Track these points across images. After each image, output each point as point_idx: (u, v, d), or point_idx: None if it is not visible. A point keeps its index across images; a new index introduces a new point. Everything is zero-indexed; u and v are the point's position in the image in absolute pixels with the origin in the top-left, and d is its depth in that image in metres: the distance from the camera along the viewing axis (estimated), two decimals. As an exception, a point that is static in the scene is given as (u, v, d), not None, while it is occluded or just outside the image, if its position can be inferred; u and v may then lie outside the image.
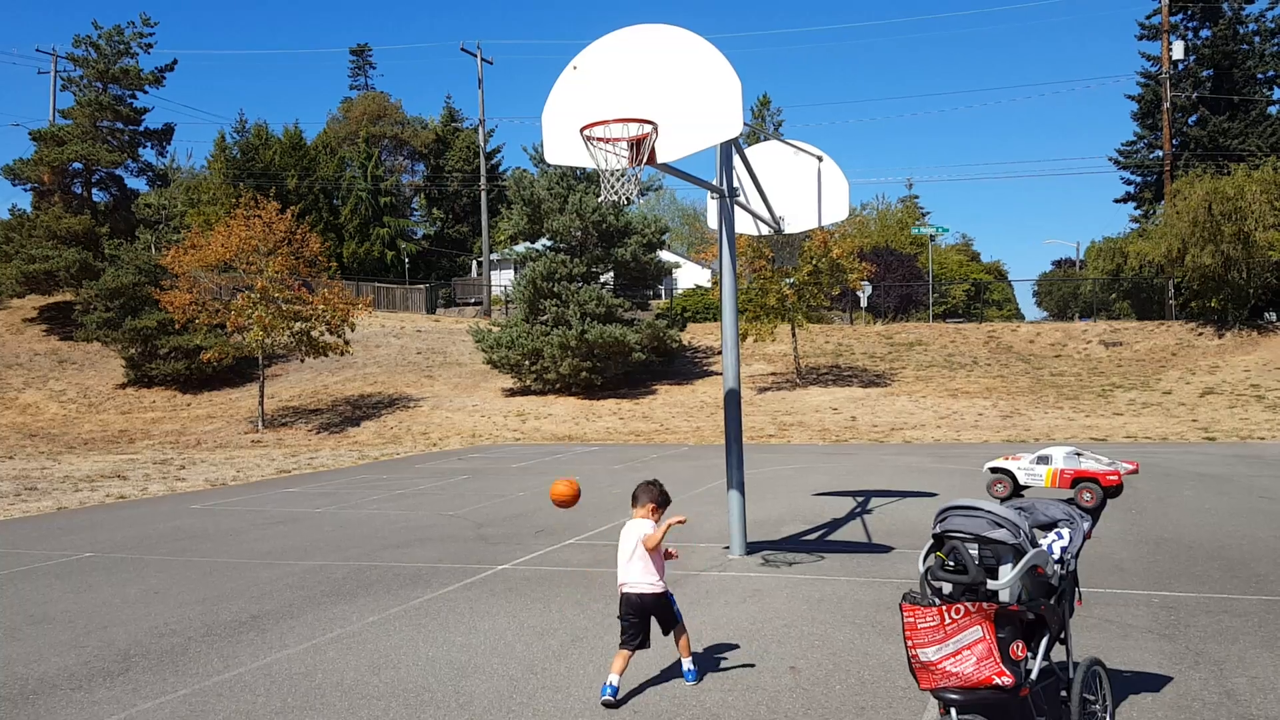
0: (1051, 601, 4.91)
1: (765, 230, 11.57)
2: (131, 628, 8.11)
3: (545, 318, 35.86)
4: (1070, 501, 5.51)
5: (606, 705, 5.88)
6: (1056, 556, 4.99)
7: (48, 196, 47.14)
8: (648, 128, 8.06)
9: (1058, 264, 74.61)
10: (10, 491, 18.98)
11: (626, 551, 6.21)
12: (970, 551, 4.77)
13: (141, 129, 49.59)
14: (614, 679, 5.96)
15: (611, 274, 38.23)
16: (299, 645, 7.42)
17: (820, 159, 11.26)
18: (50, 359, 42.47)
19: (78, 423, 35.49)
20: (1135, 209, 52.88)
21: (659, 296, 47.07)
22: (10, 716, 6.01)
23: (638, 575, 6.14)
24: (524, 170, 40.04)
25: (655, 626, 6.26)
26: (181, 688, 6.47)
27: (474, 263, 60.40)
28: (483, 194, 52.02)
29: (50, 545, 12.56)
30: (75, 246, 44.08)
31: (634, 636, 6.11)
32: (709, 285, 46.54)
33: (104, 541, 12.73)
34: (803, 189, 11.27)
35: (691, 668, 6.31)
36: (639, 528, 6.24)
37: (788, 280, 33.08)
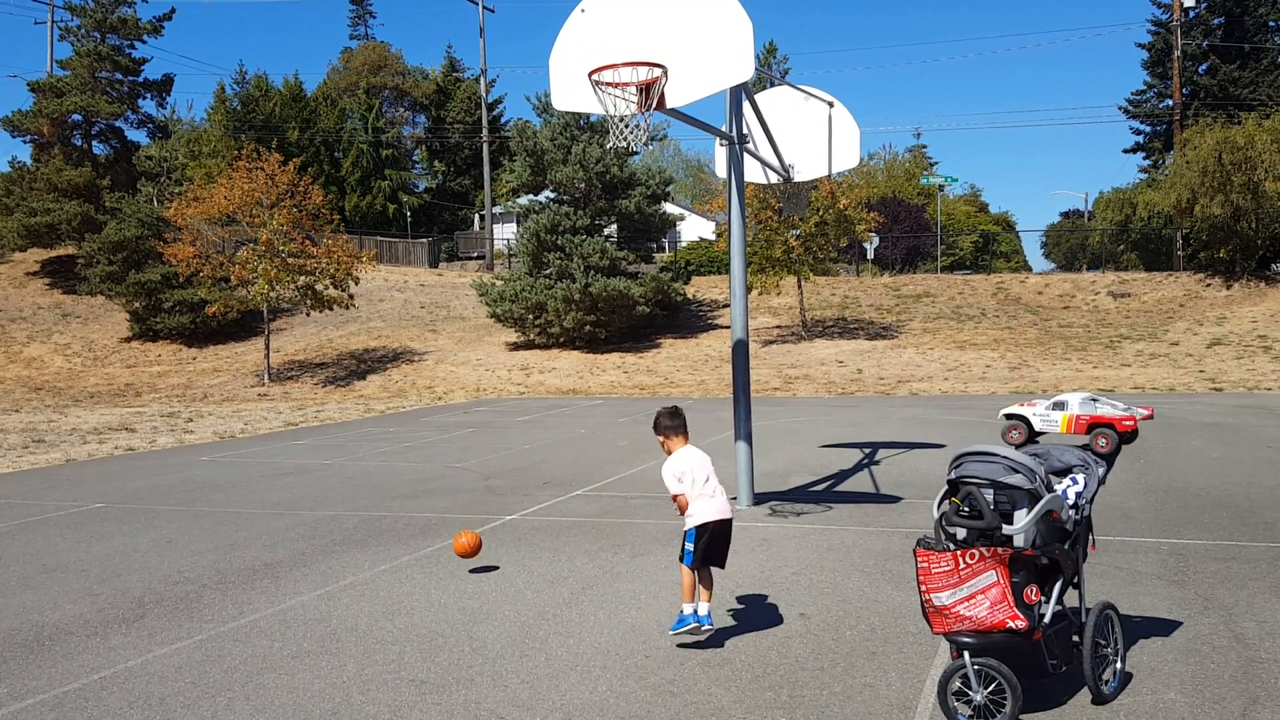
0: (1066, 546, 4.92)
1: (774, 178, 11.45)
2: (145, 575, 8.17)
3: (549, 271, 35.73)
4: (1085, 448, 5.50)
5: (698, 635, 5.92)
6: (1071, 502, 4.98)
7: (47, 149, 46.82)
8: (657, 71, 7.93)
9: (1066, 215, 74.15)
10: (18, 444, 19.06)
11: (706, 477, 6.00)
12: (986, 496, 4.76)
13: (141, 80, 49.14)
14: (705, 608, 5.94)
15: (615, 226, 37.99)
16: (312, 592, 7.47)
17: (831, 105, 11.11)
18: (54, 313, 42.47)
19: (83, 376, 35.56)
20: (1144, 159, 52.48)
21: (663, 249, 46.83)
22: (27, 662, 6.06)
23: (724, 501, 6.04)
24: (526, 121, 39.73)
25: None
26: (197, 633, 6.53)
27: (476, 216, 60.05)
28: (484, 145, 51.59)
29: (60, 496, 12.63)
30: (76, 199, 43.86)
31: (721, 558, 6.06)
32: (714, 237, 46.29)
33: (114, 492, 12.79)
34: (813, 135, 11.12)
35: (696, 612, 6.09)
36: (704, 456, 6.11)
37: (794, 232, 32.88)
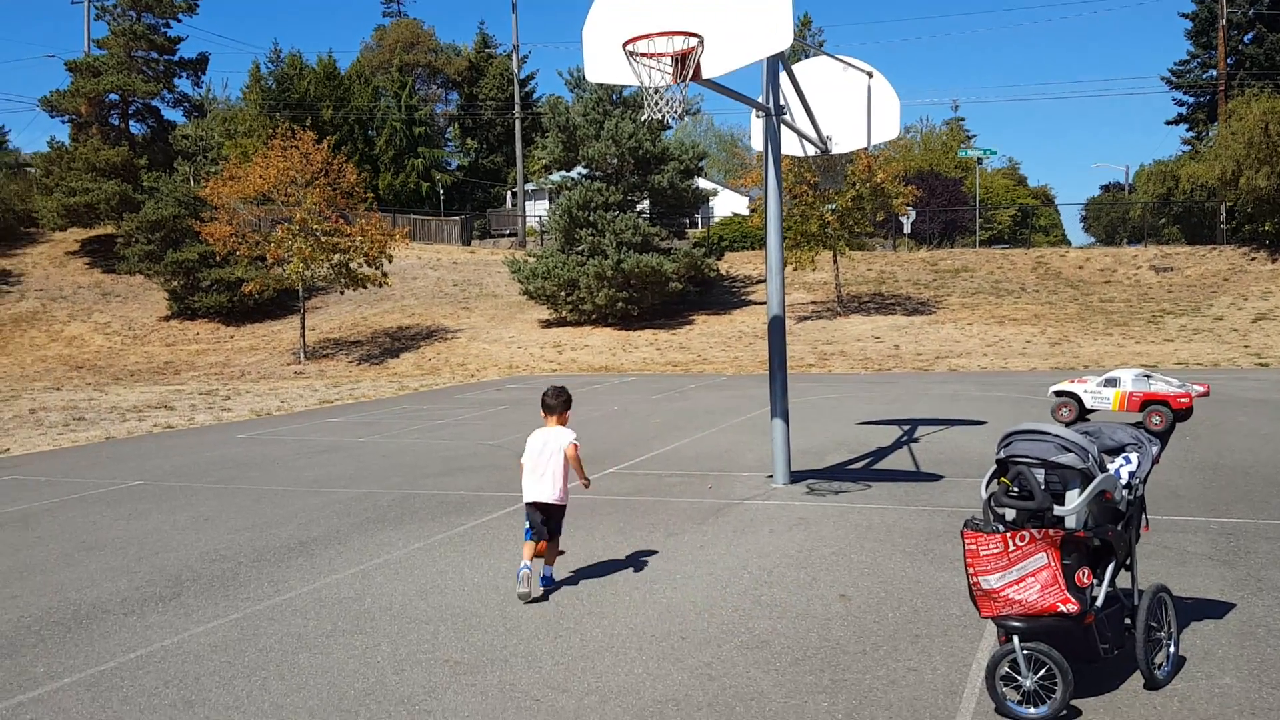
0: (1119, 527, 4.76)
1: (811, 150, 11.23)
2: (182, 553, 8.19)
3: (581, 248, 35.59)
4: (1138, 425, 5.31)
5: (523, 584, 6.50)
6: (1124, 481, 4.82)
7: (85, 129, 47.27)
8: (693, 41, 7.74)
9: (1106, 188, 72.74)
10: (59, 422, 19.29)
11: (543, 461, 6.73)
12: (1037, 476, 4.61)
13: (176, 59, 49.44)
14: (527, 561, 6.63)
15: (648, 202, 37.76)
16: (347, 570, 7.45)
17: (870, 75, 10.85)
18: (94, 292, 42.99)
19: (123, 355, 36.00)
20: (1187, 130, 51.30)
21: (696, 225, 46.52)
22: (64, 640, 6.07)
23: (548, 491, 6.71)
24: (558, 97, 39.45)
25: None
26: (233, 612, 6.51)
27: (509, 193, 59.98)
28: (517, 122, 51.44)
29: (100, 474, 12.73)
30: (114, 179, 44.25)
31: (541, 532, 6.76)
32: (747, 213, 45.90)
33: (153, 470, 12.88)
34: (851, 106, 10.88)
35: (548, 574, 6.88)
36: (560, 437, 6.78)
37: (830, 206, 32.48)
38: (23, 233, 48.37)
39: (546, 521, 6.78)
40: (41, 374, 32.50)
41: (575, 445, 6.77)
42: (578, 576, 7.07)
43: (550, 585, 6.79)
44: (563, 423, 6.91)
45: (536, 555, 6.72)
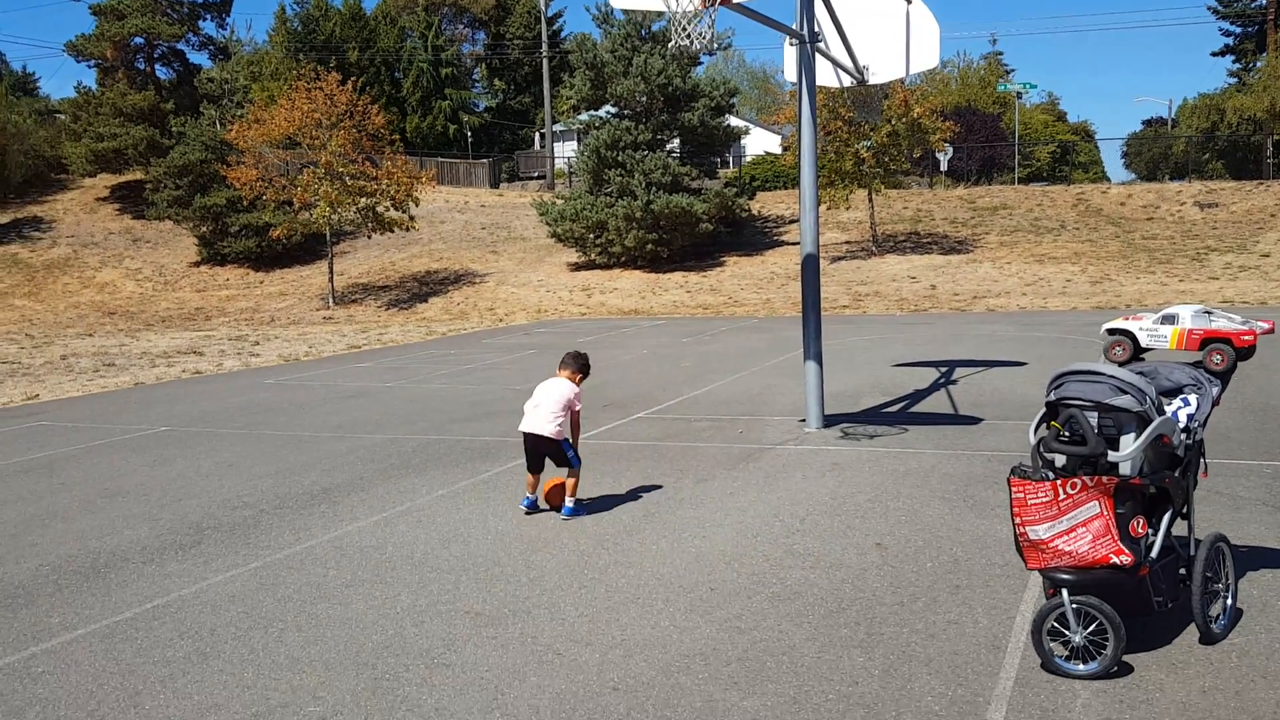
0: (1176, 474, 4.46)
1: (847, 81, 10.76)
2: (204, 500, 8.09)
3: (610, 189, 35.02)
4: (1197, 364, 4.99)
5: (528, 513, 7.16)
6: (1183, 425, 4.52)
7: (112, 73, 47.06)
8: (721, -38, 7.33)
9: (1148, 123, 70.74)
10: (90, 368, 19.34)
11: (542, 398, 7.08)
12: (1090, 420, 4.30)
13: (200, 1, 48.92)
14: (529, 495, 7.23)
15: (678, 141, 37.02)
16: (369, 518, 7.30)
17: (909, 1, 10.33)
18: (125, 238, 43.10)
19: (154, 300, 36.15)
20: (1234, 62, 49.74)
21: (727, 165, 45.70)
22: (81, 590, 5.97)
23: (542, 424, 7.00)
24: (586, 34, 38.69)
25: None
26: (253, 560, 6.39)
27: (537, 135, 59.27)
28: (544, 61, 50.63)
29: (127, 419, 12.70)
30: (141, 124, 44.07)
31: (536, 465, 7.19)
32: (779, 151, 45.05)
33: (180, 415, 12.83)
34: (889, 34, 10.35)
35: (570, 505, 7.07)
36: (565, 386, 7.11)
37: (865, 143, 31.67)
38: (53, 179, 48.50)
39: (543, 455, 7.11)
40: (74, 320, 32.73)
41: (578, 405, 7.15)
42: (603, 525, 6.87)
43: (573, 515, 7.04)
44: (571, 379, 7.22)
45: (554, 494, 7.22)
